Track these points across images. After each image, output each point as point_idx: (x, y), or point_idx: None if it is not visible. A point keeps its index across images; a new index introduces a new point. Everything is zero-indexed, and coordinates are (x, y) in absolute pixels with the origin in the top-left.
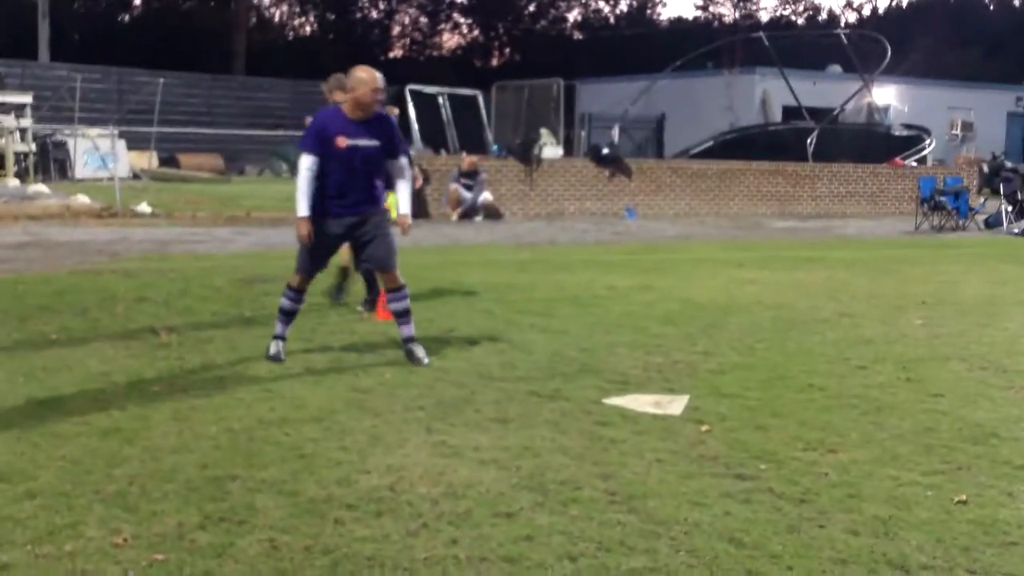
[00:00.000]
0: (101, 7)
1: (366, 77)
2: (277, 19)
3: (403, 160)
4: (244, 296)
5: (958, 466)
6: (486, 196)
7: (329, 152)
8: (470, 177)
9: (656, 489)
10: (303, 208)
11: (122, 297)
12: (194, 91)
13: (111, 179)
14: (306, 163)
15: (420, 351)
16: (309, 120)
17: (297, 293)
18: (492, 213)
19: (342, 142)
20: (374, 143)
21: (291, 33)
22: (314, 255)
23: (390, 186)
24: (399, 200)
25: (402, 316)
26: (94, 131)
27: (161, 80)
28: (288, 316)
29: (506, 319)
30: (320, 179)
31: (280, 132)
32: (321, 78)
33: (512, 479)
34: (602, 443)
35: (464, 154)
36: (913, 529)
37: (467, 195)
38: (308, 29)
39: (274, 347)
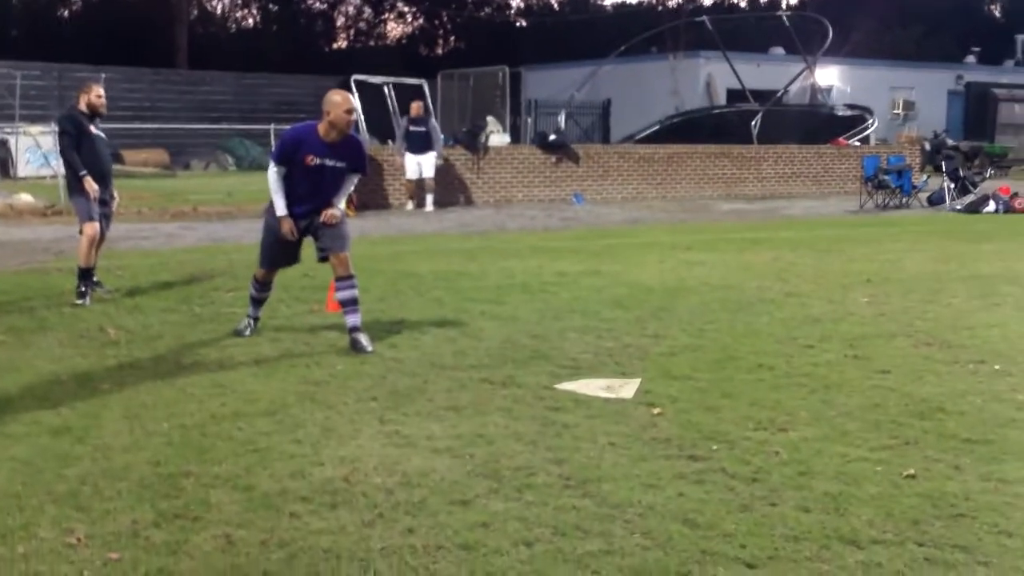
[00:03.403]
0: (40, 2)
1: (339, 100)
2: (219, 11)
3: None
4: (192, 292)
5: (906, 441)
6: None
7: (296, 166)
8: (419, 124)
9: (610, 472)
10: (281, 208)
11: (69, 296)
12: (136, 86)
13: (54, 177)
14: (274, 169)
15: (364, 340)
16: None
17: (263, 285)
18: (429, 189)
19: (311, 160)
20: (341, 164)
21: (234, 25)
22: (279, 251)
23: None
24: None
25: (350, 305)
26: (36, 128)
27: (102, 75)
28: (258, 303)
29: (456, 307)
30: (286, 181)
31: (225, 126)
32: (265, 70)
33: (466, 467)
34: (555, 428)
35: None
36: (863, 504)
37: (416, 160)
38: (251, 21)
39: (243, 323)
